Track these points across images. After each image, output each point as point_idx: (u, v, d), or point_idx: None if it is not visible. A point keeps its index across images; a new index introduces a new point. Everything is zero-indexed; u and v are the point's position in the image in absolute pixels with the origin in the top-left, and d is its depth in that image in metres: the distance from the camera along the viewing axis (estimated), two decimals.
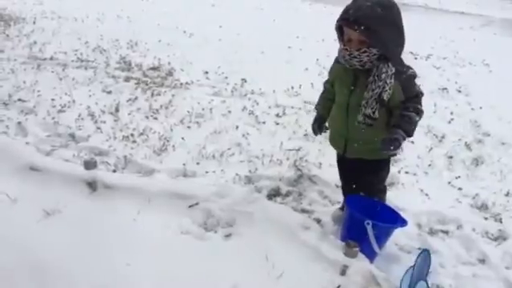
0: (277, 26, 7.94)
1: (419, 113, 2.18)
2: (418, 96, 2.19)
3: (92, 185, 2.44)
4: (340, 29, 2.17)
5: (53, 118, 3.80)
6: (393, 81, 2.10)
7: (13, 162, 2.58)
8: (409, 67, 2.20)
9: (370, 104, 2.12)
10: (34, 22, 6.90)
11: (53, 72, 4.87)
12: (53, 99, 4.16)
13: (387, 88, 2.09)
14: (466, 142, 4.00)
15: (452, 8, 8.93)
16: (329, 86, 2.50)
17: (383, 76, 2.08)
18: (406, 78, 2.16)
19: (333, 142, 2.54)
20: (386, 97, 2.10)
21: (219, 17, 8.21)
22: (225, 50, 6.16)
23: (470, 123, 4.44)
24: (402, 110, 2.16)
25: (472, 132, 4.26)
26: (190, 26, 7.33)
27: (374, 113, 2.13)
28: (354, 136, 2.32)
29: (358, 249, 2.03)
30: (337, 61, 2.34)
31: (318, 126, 2.57)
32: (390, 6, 2.07)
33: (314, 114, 2.65)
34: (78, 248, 2.08)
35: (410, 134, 2.16)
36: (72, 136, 3.56)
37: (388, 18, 2.06)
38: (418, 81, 2.24)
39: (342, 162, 2.63)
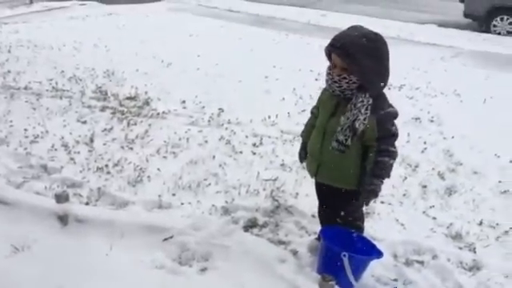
0: (254, 56, 8.03)
1: (392, 155, 2.25)
2: (392, 136, 2.25)
3: (63, 218, 2.39)
4: (330, 55, 2.26)
5: (25, 149, 3.73)
6: (369, 112, 2.15)
7: None
8: (390, 105, 2.26)
9: (343, 131, 2.19)
10: (9, 51, 6.83)
11: (26, 102, 4.81)
12: (25, 129, 4.10)
13: (361, 118, 2.14)
14: (439, 172, 4.06)
15: (424, 39, 9.22)
16: (316, 110, 2.57)
17: (359, 105, 2.15)
18: (383, 114, 2.21)
19: (308, 166, 2.60)
20: (358, 125, 2.14)
21: (197, 46, 8.27)
22: (202, 80, 6.18)
23: (442, 152, 4.51)
24: (376, 156, 2.23)
25: (445, 161, 4.32)
26: (168, 55, 7.35)
27: (346, 140, 2.19)
28: (326, 161, 2.36)
29: (333, 282, 2.02)
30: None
31: (304, 154, 2.64)
32: (376, 40, 2.16)
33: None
34: (47, 285, 2.02)
35: (386, 178, 2.27)
36: (44, 167, 3.49)
37: (370, 49, 2.13)
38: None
39: (318, 187, 2.66)
